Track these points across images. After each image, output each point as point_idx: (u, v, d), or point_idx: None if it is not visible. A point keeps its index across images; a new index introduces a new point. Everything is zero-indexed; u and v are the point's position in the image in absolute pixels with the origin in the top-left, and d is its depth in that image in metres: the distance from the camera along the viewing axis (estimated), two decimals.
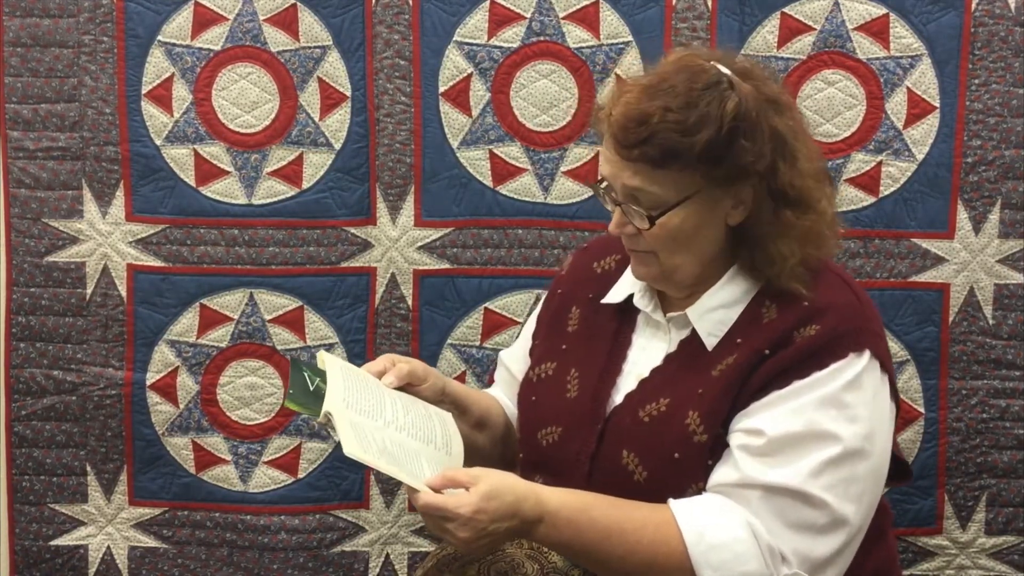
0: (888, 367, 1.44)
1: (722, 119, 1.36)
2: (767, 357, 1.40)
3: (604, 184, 1.46)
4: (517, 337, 1.83)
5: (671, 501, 1.40)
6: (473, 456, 1.51)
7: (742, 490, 1.36)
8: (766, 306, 1.45)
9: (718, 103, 1.37)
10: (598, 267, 1.67)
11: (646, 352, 1.54)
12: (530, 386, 1.64)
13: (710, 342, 1.46)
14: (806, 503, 1.35)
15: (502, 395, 1.77)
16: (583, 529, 1.37)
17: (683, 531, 1.35)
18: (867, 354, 1.40)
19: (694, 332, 1.48)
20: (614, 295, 1.60)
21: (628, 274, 1.60)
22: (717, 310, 1.47)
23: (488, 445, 1.68)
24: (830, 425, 1.36)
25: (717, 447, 1.42)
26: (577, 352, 1.59)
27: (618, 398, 1.51)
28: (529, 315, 1.91)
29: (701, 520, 1.36)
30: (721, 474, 1.39)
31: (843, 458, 1.36)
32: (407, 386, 1.53)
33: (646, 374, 1.51)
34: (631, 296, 1.58)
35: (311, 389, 1.44)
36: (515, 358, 1.77)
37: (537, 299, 2.14)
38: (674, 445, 1.42)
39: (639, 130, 1.36)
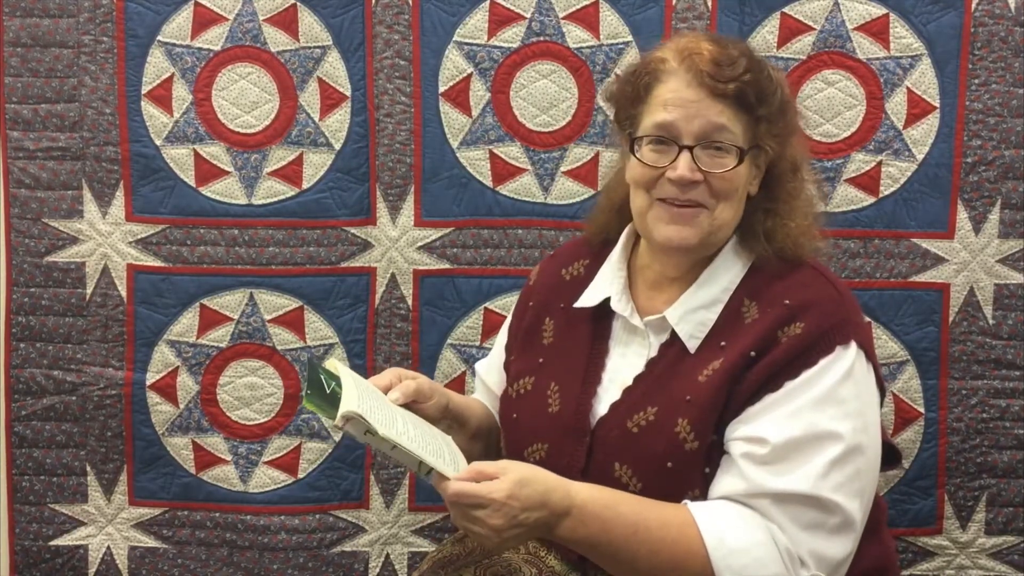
0: (872, 356, 1.45)
1: (780, 82, 1.47)
2: (754, 360, 1.40)
3: (659, 135, 1.45)
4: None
5: (688, 503, 1.39)
6: None
7: (753, 499, 1.36)
8: (746, 305, 1.45)
9: (772, 70, 1.47)
10: (566, 274, 1.65)
11: (626, 359, 1.53)
12: (510, 403, 1.62)
13: (692, 344, 1.45)
14: (818, 506, 1.35)
15: (484, 400, 1.77)
16: (610, 524, 1.35)
17: (704, 534, 1.34)
18: (853, 345, 1.41)
19: (674, 335, 1.47)
20: (587, 299, 1.58)
21: (600, 278, 1.59)
22: (697, 311, 1.46)
23: (483, 454, 1.68)
24: (829, 424, 1.36)
25: (712, 454, 1.41)
26: (554, 365, 1.58)
27: (601, 409, 1.50)
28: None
29: (720, 524, 1.35)
30: (727, 485, 1.39)
31: (846, 456, 1.36)
32: (412, 403, 1.50)
33: (629, 382, 1.49)
34: (605, 302, 1.56)
35: (327, 392, 1.43)
36: (489, 370, 1.76)
37: None
38: (666, 454, 1.41)
39: (731, 68, 1.41)
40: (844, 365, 1.39)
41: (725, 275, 1.48)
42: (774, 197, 1.50)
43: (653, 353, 1.50)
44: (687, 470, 1.40)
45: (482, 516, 1.29)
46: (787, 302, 1.42)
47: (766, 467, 1.36)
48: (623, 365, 1.53)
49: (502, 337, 1.76)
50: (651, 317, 1.51)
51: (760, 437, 1.37)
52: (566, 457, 1.50)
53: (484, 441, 1.70)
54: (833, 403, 1.37)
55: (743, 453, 1.38)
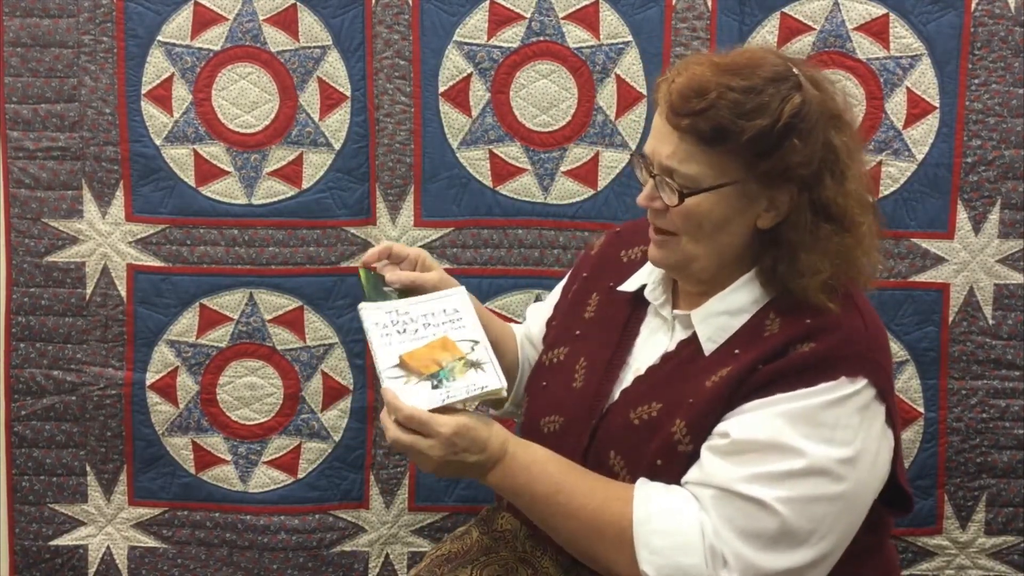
0: (887, 398, 1.40)
1: (780, 114, 1.34)
2: (759, 370, 1.37)
3: (642, 155, 1.44)
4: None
5: (640, 480, 1.39)
6: None
7: (701, 488, 1.35)
8: (770, 319, 1.42)
9: (780, 98, 1.35)
10: (624, 256, 1.66)
11: (648, 345, 1.53)
12: (542, 371, 1.64)
13: (708, 347, 1.44)
14: (757, 509, 1.31)
15: (521, 333, 1.80)
16: (534, 479, 1.39)
17: (635, 509, 1.35)
18: (862, 381, 1.35)
19: (695, 335, 1.46)
20: (630, 284, 1.59)
21: (647, 265, 1.58)
22: (721, 316, 1.44)
23: None
24: (797, 441, 1.32)
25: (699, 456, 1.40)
26: (588, 340, 1.59)
27: (616, 393, 1.51)
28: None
29: (656, 504, 1.35)
30: (690, 472, 1.38)
31: (806, 474, 1.31)
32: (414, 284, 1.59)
33: (643, 371, 1.50)
34: (643, 287, 1.57)
35: (384, 291, 1.56)
36: (535, 317, 1.79)
37: (537, 298, 2.14)
38: (658, 452, 1.40)
39: (696, 101, 1.34)
40: (840, 394, 1.34)
41: (752, 293, 1.45)
42: (778, 240, 1.42)
43: (671, 347, 1.50)
44: (676, 471, 1.39)
45: (424, 446, 1.35)
46: (808, 321, 1.39)
47: (721, 458, 1.34)
48: (644, 352, 1.53)
49: (554, 295, 1.77)
50: (679, 312, 1.51)
51: (725, 431, 1.35)
52: (574, 436, 1.50)
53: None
54: (811, 424, 1.33)
55: (708, 445, 1.37)
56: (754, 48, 1.46)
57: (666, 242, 1.45)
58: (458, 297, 1.54)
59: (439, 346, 1.44)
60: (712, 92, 1.34)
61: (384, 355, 1.42)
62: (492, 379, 1.40)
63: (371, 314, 1.48)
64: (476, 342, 1.46)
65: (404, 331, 1.46)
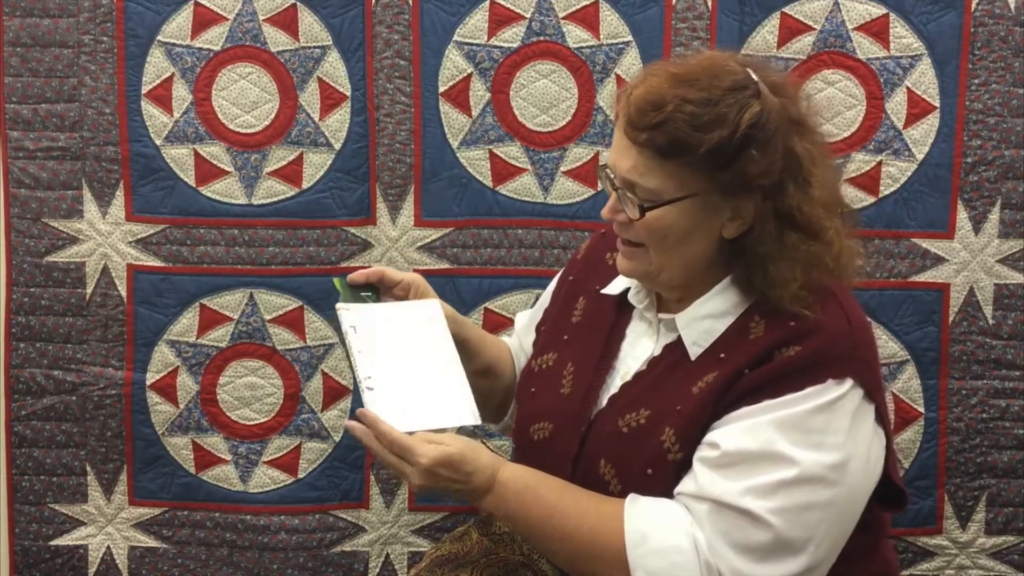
0: (876, 397, 1.39)
1: (738, 124, 1.32)
2: (745, 375, 1.36)
3: (607, 168, 1.43)
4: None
5: (629, 497, 1.38)
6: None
7: (695, 501, 1.34)
8: (755, 321, 1.41)
9: (738, 108, 1.33)
10: (610, 258, 1.64)
11: (634, 349, 1.52)
12: (531, 377, 1.63)
13: (694, 351, 1.43)
14: (750, 523, 1.30)
15: (514, 345, 1.80)
16: (527, 505, 1.40)
17: (626, 530, 1.34)
18: (848, 383, 1.35)
19: (681, 338, 1.45)
20: (613, 287, 1.58)
21: None
22: (705, 319, 1.43)
23: (486, 392, 1.69)
24: (787, 448, 1.31)
25: (690, 465, 1.39)
26: (576, 345, 1.58)
27: (604, 399, 1.50)
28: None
29: (647, 524, 1.35)
30: (683, 483, 1.37)
31: (798, 483, 1.31)
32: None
33: (630, 377, 1.49)
34: (628, 290, 1.56)
35: (360, 294, 1.57)
36: (526, 324, 1.79)
37: (536, 298, 2.14)
38: (648, 461, 1.40)
39: (652, 114, 1.33)
40: (828, 397, 1.33)
41: (732, 297, 1.44)
42: (746, 251, 1.40)
43: (657, 352, 1.49)
44: (666, 479, 1.38)
45: (408, 471, 1.38)
46: (792, 324, 1.37)
47: (713, 471, 1.33)
48: (631, 355, 1.52)
49: (545, 298, 1.77)
50: (665, 316, 1.49)
51: (715, 442, 1.34)
52: (563, 443, 1.50)
53: (493, 383, 1.72)
54: (800, 430, 1.32)
55: (700, 456, 1.36)
56: (714, 54, 1.42)
57: (634, 253, 1.45)
58: (433, 309, 1.56)
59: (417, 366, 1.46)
60: (668, 105, 1.32)
61: (363, 363, 1.44)
62: (466, 414, 1.43)
63: (349, 316, 1.49)
64: (451, 367, 1.48)
65: (384, 340, 1.48)
